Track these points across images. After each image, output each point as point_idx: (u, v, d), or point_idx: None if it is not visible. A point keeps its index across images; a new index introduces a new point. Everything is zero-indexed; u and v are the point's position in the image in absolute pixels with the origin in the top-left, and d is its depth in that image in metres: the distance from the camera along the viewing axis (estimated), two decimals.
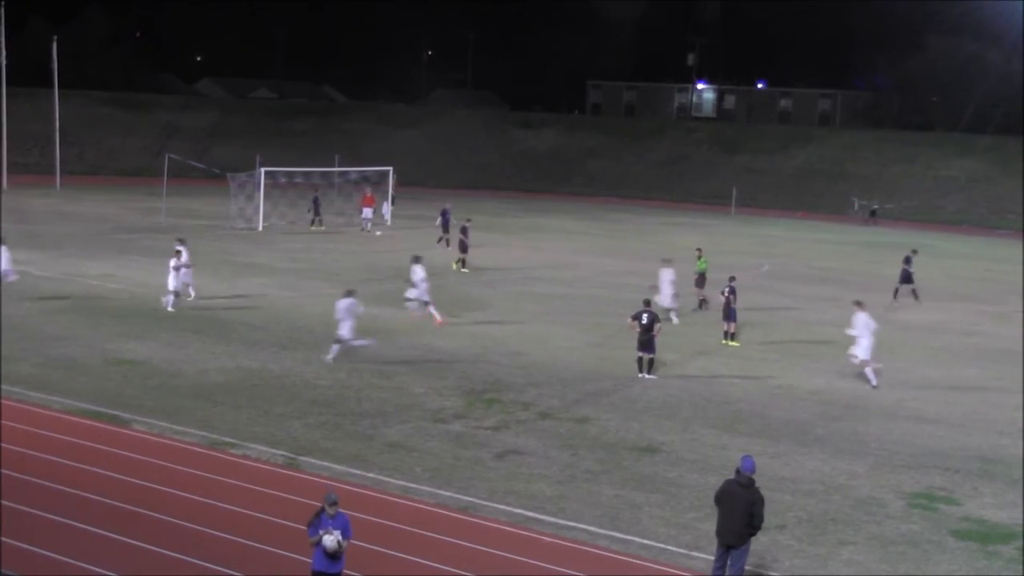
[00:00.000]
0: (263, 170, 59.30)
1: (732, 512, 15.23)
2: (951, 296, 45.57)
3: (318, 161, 74.72)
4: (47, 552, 15.85)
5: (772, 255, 58.33)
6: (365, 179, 69.15)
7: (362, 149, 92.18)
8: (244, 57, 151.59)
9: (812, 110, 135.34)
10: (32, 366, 26.35)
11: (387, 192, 66.05)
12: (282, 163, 67.35)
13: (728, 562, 15.39)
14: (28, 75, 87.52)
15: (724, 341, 33.37)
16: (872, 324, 29.29)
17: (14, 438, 20.81)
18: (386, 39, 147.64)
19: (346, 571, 14.00)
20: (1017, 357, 33.51)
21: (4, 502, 17.55)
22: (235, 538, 16.82)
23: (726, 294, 33.62)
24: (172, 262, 33.64)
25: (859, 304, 29.86)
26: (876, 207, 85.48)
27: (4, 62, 74.03)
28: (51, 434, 21.36)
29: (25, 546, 15.99)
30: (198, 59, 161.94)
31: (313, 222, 58.68)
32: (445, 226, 53.29)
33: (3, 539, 16.10)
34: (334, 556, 13.52)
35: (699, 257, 39.47)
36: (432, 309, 33.51)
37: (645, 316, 28.28)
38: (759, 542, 16.84)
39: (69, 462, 19.81)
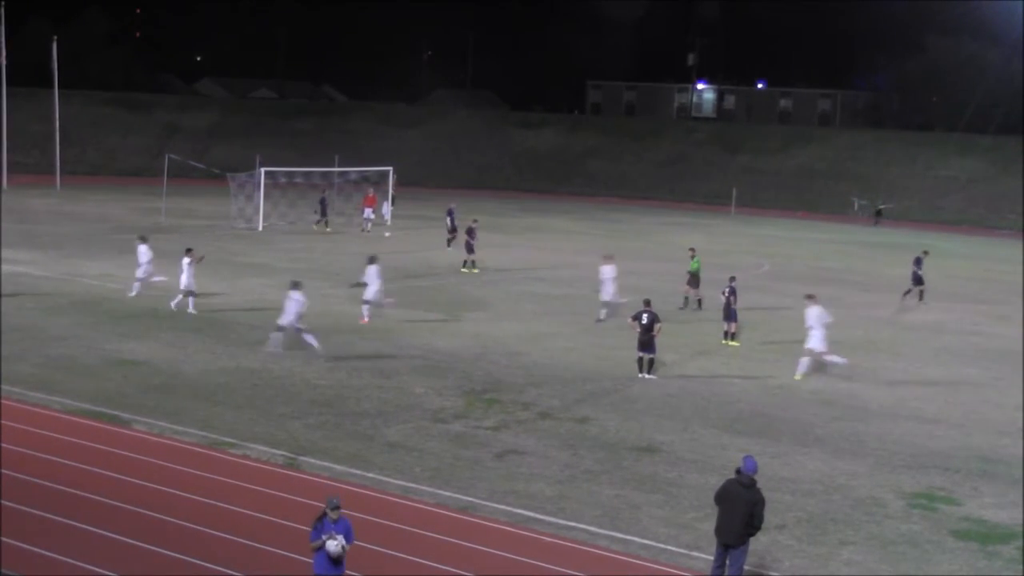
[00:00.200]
0: (263, 170, 59.28)
1: (732, 512, 15.23)
2: (951, 296, 45.56)
3: (318, 161, 74.71)
4: (47, 552, 15.86)
5: (772, 255, 58.33)
6: (365, 179, 69.14)
7: (362, 149, 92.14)
8: (244, 57, 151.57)
9: (812, 110, 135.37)
10: (32, 366, 26.35)
11: (387, 192, 66.05)
12: (282, 163, 67.35)
13: (727, 562, 15.39)
14: (28, 75, 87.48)
15: (724, 341, 33.37)
16: (825, 317, 29.50)
17: (14, 438, 20.82)
18: (386, 39, 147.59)
19: (347, 571, 13.99)
20: (1017, 357, 33.52)
21: (4, 502, 17.55)
22: (235, 538, 16.82)
23: (726, 294, 33.63)
24: (184, 260, 33.63)
25: (811, 298, 30.16)
26: (882, 207, 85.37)
27: (4, 62, 74.01)
28: (51, 434, 21.36)
29: (25, 546, 15.99)
30: (198, 59, 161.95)
31: (319, 222, 58.56)
32: (452, 226, 53.24)
33: (3, 539, 16.10)
34: (337, 561, 13.49)
35: (692, 257, 39.50)
36: (365, 308, 33.44)
37: (645, 316, 28.28)
38: (759, 542, 16.84)
39: (69, 462, 19.81)
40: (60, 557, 15.73)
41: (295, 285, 29.26)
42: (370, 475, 19.92)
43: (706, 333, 34.59)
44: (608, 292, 36.16)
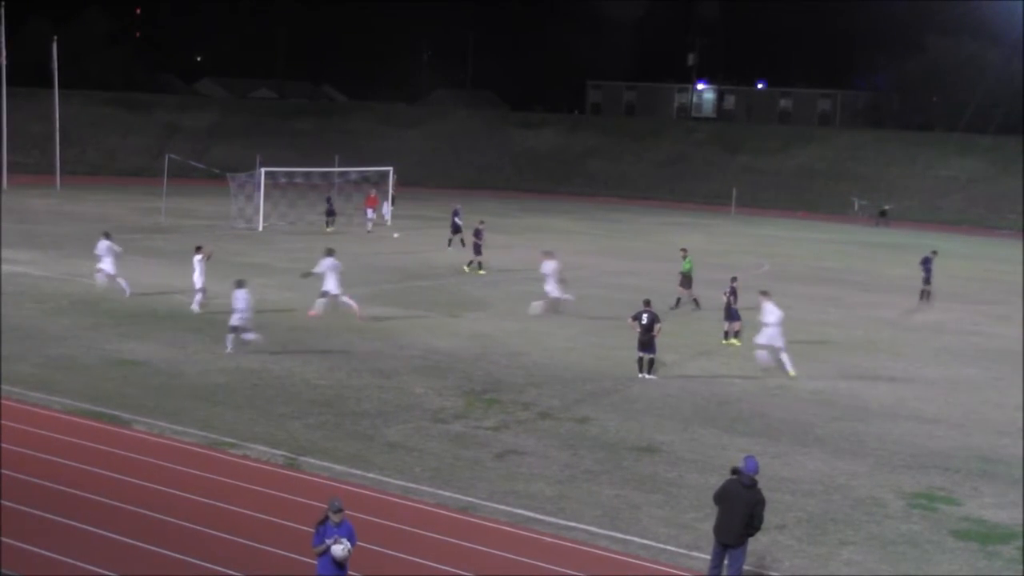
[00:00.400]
0: (263, 170, 59.29)
1: (732, 512, 15.22)
2: (951, 296, 45.55)
3: (318, 161, 74.75)
4: (47, 552, 15.86)
5: (772, 255, 58.32)
6: (365, 179, 69.16)
7: (362, 149, 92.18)
8: (244, 57, 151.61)
9: (812, 110, 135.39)
10: (32, 366, 26.35)
11: (387, 192, 66.06)
12: (282, 163, 67.36)
13: (726, 562, 15.39)
14: (28, 75, 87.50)
15: (724, 341, 33.37)
16: (778, 312, 29.55)
17: (14, 438, 20.82)
18: (386, 39, 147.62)
19: (347, 572, 13.98)
20: (1017, 357, 33.52)
21: (4, 502, 17.55)
22: (235, 538, 16.82)
23: (727, 294, 33.65)
24: (196, 258, 33.58)
25: (765, 294, 30.43)
26: (887, 207, 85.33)
27: (4, 62, 74.01)
28: (51, 434, 21.36)
29: (25, 546, 15.99)
30: (198, 59, 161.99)
31: (328, 223, 58.46)
32: (456, 227, 53.20)
33: (3, 539, 16.10)
34: (341, 565, 13.42)
35: (684, 257, 39.52)
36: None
37: (645, 316, 28.29)
38: (759, 542, 16.85)
39: (69, 462, 19.81)
40: (60, 557, 15.73)
41: (239, 284, 29.35)
42: (370, 475, 19.92)
43: (706, 333, 34.59)
44: (552, 288, 36.25)
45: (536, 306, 36.21)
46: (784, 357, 29.47)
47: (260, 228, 56.87)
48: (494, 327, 33.98)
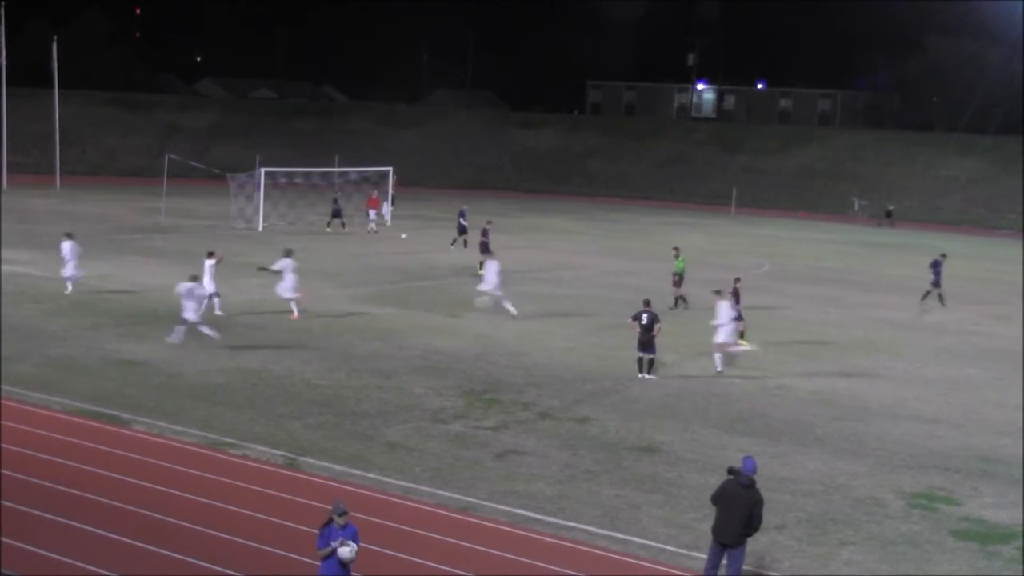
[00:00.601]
0: (263, 170, 59.31)
1: (731, 512, 15.21)
2: (951, 296, 45.52)
3: (318, 161, 74.77)
4: (47, 552, 15.86)
5: (772, 255, 58.32)
6: (365, 179, 69.16)
7: (362, 149, 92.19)
8: (244, 57, 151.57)
9: (812, 110, 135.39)
10: (32, 366, 26.35)
11: (387, 192, 66.07)
12: (282, 163, 67.37)
13: (726, 562, 15.38)
14: (28, 75, 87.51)
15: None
16: (732, 311, 29.61)
17: (14, 438, 20.82)
18: (386, 39, 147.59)
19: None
20: (1017, 357, 33.52)
21: (4, 502, 17.55)
22: (235, 538, 16.82)
23: (730, 295, 33.59)
24: (208, 262, 33.51)
25: (718, 293, 30.63)
26: (892, 208, 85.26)
27: (4, 62, 74.02)
28: (51, 434, 21.36)
29: (25, 546, 15.99)
30: (198, 59, 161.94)
31: (338, 224, 58.41)
32: (461, 228, 53.18)
33: (3, 539, 16.10)
34: (346, 567, 13.44)
35: (676, 257, 39.51)
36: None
37: (645, 316, 28.28)
38: (759, 542, 16.85)
39: (69, 462, 19.81)
40: (60, 557, 15.73)
41: (194, 278, 29.58)
42: (370, 475, 19.92)
43: (706, 333, 34.53)
44: (491, 285, 36.09)
45: (480, 302, 36.30)
46: (736, 349, 29.50)
47: (260, 228, 56.86)
48: (494, 327, 33.98)
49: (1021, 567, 17.38)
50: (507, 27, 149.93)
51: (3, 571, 15.13)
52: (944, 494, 20.57)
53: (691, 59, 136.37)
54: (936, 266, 43.59)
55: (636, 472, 20.85)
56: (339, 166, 71.12)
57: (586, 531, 17.89)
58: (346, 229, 57.66)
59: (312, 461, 20.53)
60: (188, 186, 75.50)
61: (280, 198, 63.22)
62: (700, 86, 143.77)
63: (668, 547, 17.36)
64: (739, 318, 33.57)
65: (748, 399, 26.80)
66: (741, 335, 33.41)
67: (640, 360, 28.41)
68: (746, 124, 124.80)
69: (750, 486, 15.26)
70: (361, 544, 13.53)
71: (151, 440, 21.42)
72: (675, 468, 21.19)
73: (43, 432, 21.44)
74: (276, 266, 34.02)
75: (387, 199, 65.28)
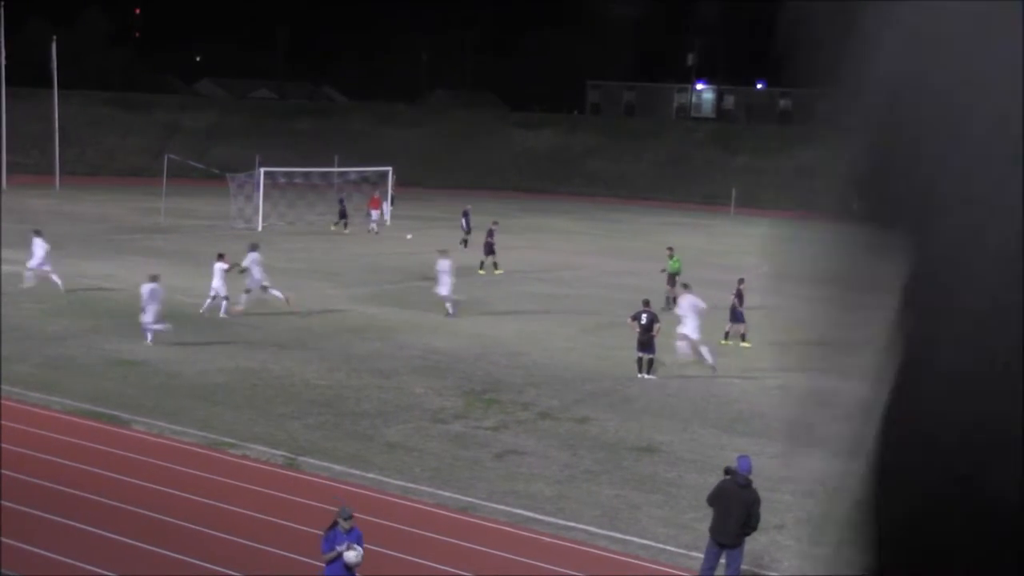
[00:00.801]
0: (262, 170, 59.30)
1: (728, 512, 15.21)
2: None
3: (318, 161, 74.73)
4: (47, 552, 15.86)
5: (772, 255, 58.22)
6: (365, 179, 69.14)
7: (362, 149, 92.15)
8: (244, 57, 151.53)
9: (812, 110, 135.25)
10: (32, 366, 26.35)
11: (387, 192, 66.06)
12: (282, 163, 67.31)
13: (725, 562, 15.38)
14: (28, 75, 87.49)
15: (723, 341, 33.30)
16: (699, 305, 29.32)
17: (14, 438, 20.81)
18: (386, 39, 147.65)
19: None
20: None
21: (4, 502, 17.55)
22: (235, 538, 16.83)
23: (733, 296, 33.61)
24: (218, 265, 33.51)
25: (685, 287, 30.82)
26: None
27: (4, 62, 74.01)
28: (51, 434, 21.37)
29: (25, 546, 15.99)
30: (198, 59, 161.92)
31: (342, 224, 58.42)
32: (467, 227, 53.15)
33: (3, 539, 16.10)
34: (351, 571, 13.48)
35: (670, 256, 39.49)
36: (243, 297, 32.59)
37: (644, 316, 28.29)
38: (758, 542, 16.85)
39: (69, 462, 19.81)
40: (60, 557, 15.73)
41: (153, 278, 29.70)
42: (370, 475, 19.92)
43: (705, 333, 34.50)
44: (444, 286, 35.78)
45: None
46: (704, 350, 29.23)
47: (259, 228, 56.85)
48: (494, 327, 33.98)
49: None
50: (507, 27, 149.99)
51: (3, 571, 15.14)
52: None
53: (690, 59, 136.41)
54: None
55: (635, 472, 20.85)
56: (339, 166, 71.09)
57: (585, 531, 17.89)
58: (347, 230, 57.66)
59: (312, 461, 20.53)
60: (188, 186, 75.46)
61: (280, 198, 63.21)
62: (699, 86, 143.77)
63: (668, 547, 17.36)
64: (741, 319, 33.55)
65: (748, 399, 26.79)
66: (743, 336, 33.40)
67: (640, 360, 28.41)
68: (746, 124, 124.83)
69: (747, 485, 15.26)
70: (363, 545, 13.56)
71: (151, 440, 21.43)
72: (674, 468, 21.19)
73: (43, 432, 21.44)
74: (245, 262, 34.12)
75: (387, 199, 65.28)
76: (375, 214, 59.83)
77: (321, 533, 14.08)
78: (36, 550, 15.91)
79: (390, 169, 67.50)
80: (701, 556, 16.69)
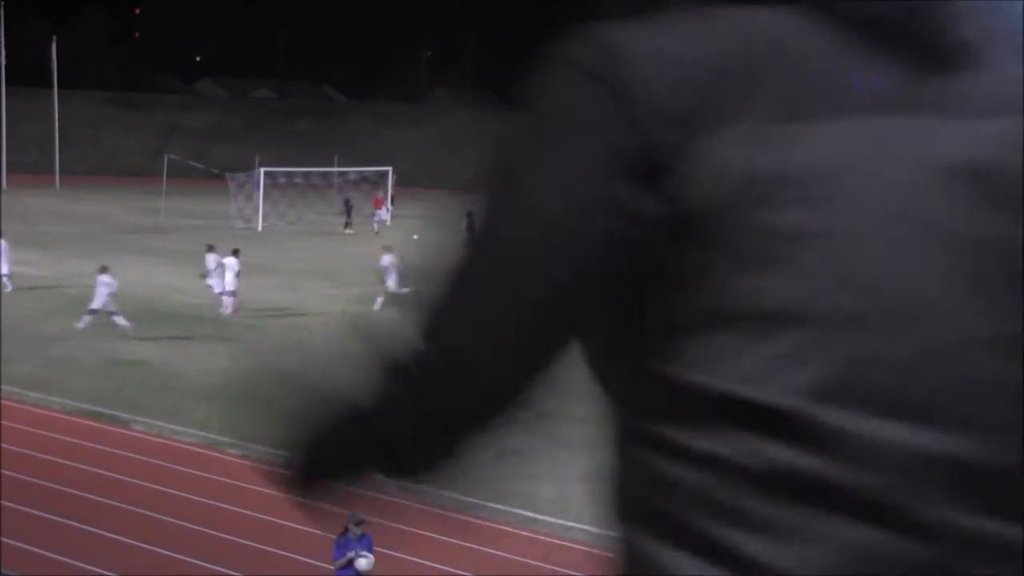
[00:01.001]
0: (262, 170, 59.31)
1: None
2: None
3: (318, 161, 74.75)
4: (47, 552, 15.85)
5: None
6: (364, 179, 69.15)
7: (362, 149, 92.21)
8: (244, 57, 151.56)
9: None
10: (32, 366, 26.33)
11: (387, 192, 66.07)
12: (282, 163, 67.35)
13: None
14: (28, 75, 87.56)
15: None
16: None
17: (14, 438, 20.80)
18: (386, 39, 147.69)
19: None
20: None
21: (4, 502, 17.54)
22: (235, 538, 16.82)
23: None
24: (231, 260, 33.52)
25: None
26: None
27: (4, 62, 74.05)
28: (51, 434, 21.35)
29: (25, 546, 15.98)
30: (198, 59, 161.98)
31: (347, 224, 58.44)
32: (470, 228, 53.11)
33: (3, 539, 16.09)
34: None
35: None
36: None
37: None
38: None
39: (69, 462, 19.80)
40: (60, 557, 15.72)
41: (103, 269, 30.16)
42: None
43: None
44: (392, 282, 35.61)
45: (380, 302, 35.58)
46: None
47: (259, 228, 56.85)
48: None
49: None
50: (507, 27, 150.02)
51: (3, 571, 15.13)
52: None
53: None
54: None
55: None
56: (339, 166, 71.11)
57: (586, 531, 17.88)
58: (349, 230, 57.66)
59: None
60: (188, 186, 75.45)
61: (280, 198, 63.21)
62: None
63: None
64: None
65: None
66: None
67: None
68: None
69: None
70: None
71: (151, 440, 21.41)
72: None
73: (43, 432, 21.43)
74: (223, 261, 34.20)
75: (387, 199, 65.32)
76: (379, 213, 59.85)
77: (334, 537, 14.05)
78: (36, 550, 15.90)
79: (390, 169, 67.50)
80: None
